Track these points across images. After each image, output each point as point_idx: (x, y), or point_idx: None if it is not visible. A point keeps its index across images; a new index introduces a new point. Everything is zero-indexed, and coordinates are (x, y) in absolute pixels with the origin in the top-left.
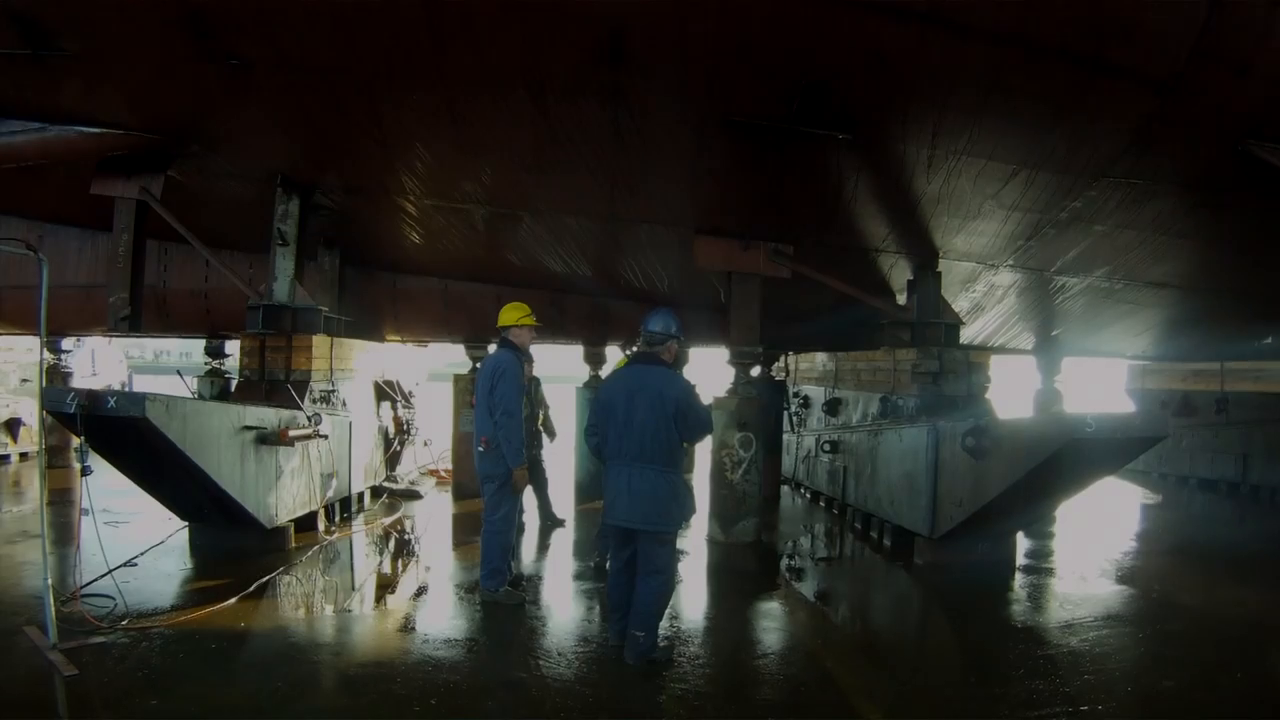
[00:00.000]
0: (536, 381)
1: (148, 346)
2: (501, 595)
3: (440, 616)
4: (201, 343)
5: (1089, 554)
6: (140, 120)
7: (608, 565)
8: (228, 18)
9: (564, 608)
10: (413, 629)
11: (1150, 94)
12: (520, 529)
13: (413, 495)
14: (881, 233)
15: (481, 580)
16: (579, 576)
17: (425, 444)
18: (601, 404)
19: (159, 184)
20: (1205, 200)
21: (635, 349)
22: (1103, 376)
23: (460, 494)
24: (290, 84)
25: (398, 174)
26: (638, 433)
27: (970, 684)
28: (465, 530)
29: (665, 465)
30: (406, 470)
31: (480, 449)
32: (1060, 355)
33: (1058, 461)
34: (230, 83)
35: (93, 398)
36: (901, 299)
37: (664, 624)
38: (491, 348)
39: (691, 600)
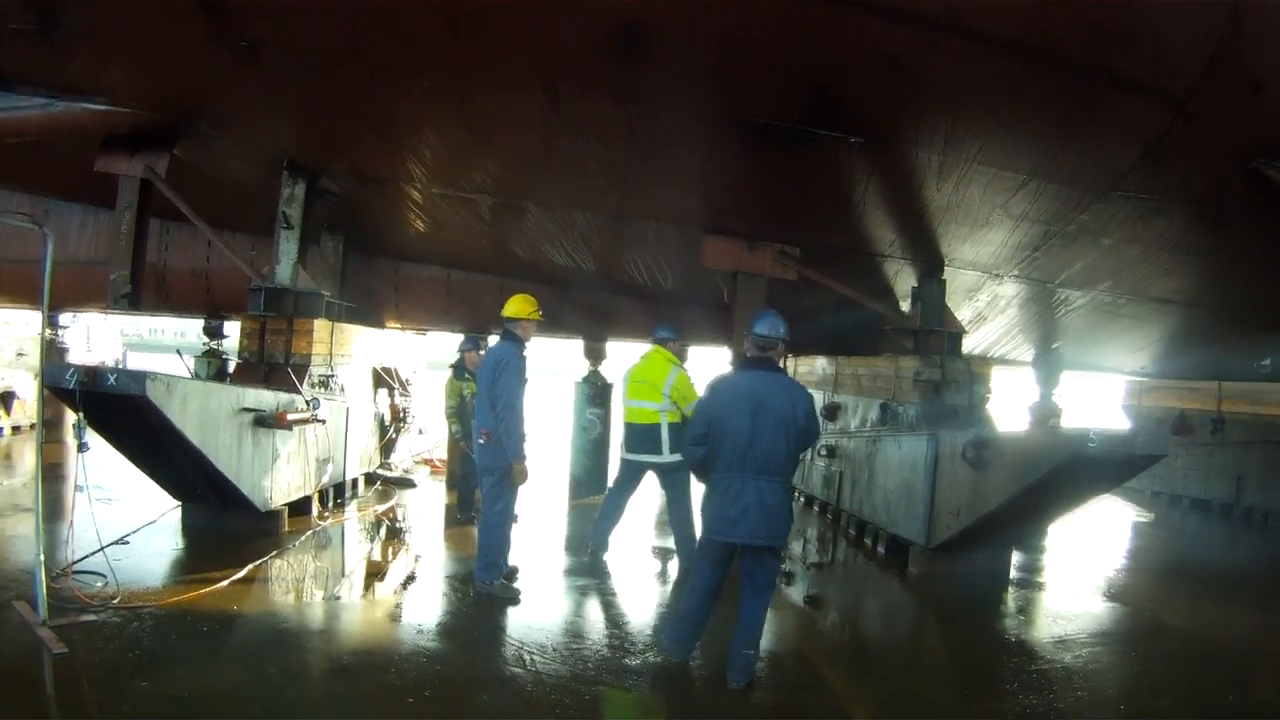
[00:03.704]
0: None
1: (142, 324)
2: (496, 589)
3: (434, 608)
4: (196, 322)
5: (1081, 570)
6: (147, 98)
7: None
8: None
9: (559, 603)
10: (407, 619)
11: (1163, 109)
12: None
13: (406, 483)
14: (888, 238)
15: (477, 573)
16: (573, 572)
17: (420, 432)
18: (716, 412)
19: (164, 163)
20: (1213, 218)
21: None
22: (1100, 391)
23: (454, 484)
24: (301, 68)
25: (405, 162)
26: (766, 444)
27: (964, 696)
28: (458, 521)
29: (788, 477)
30: (400, 458)
31: (481, 441)
32: (1059, 368)
33: (1058, 476)
34: (240, 64)
35: (92, 374)
36: (905, 305)
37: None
38: (491, 338)
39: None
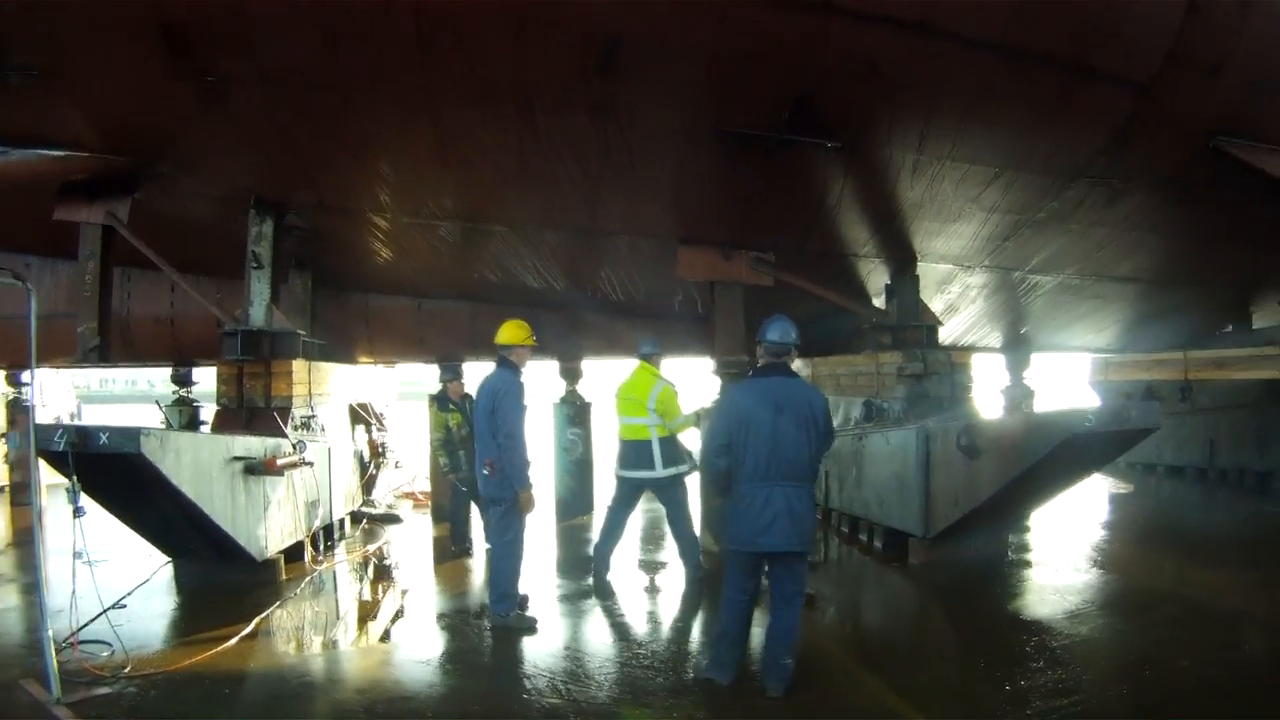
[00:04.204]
0: (469, 399)
1: (92, 376)
2: (512, 620)
3: (454, 646)
4: (150, 371)
5: (1074, 545)
6: (107, 142)
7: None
8: (206, 33)
9: (576, 628)
10: (429, 660)
11: (1128, 96)
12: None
13: (392, 519)
14: (863, 238)
15: (491, 606)
16: (580, 595)
17: (396, 465)
18: (737, 422)
19: (126, 208)
20: (1176, 196)
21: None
22: (1065, 371)
23: (440, 516)
24: (269, 100)
25: (376, 191)
26: (790, 450)
27: (996, 677)
28: (453, 555)
29: (812, 482)
30: (381, 494)
31: (485, 472)
32: (1028, 352)
33: (1057, 457)
34: (205, 100)
35: (83, 434)
36: (878, 302)
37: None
38: (466, 366)
39: (706, 614)
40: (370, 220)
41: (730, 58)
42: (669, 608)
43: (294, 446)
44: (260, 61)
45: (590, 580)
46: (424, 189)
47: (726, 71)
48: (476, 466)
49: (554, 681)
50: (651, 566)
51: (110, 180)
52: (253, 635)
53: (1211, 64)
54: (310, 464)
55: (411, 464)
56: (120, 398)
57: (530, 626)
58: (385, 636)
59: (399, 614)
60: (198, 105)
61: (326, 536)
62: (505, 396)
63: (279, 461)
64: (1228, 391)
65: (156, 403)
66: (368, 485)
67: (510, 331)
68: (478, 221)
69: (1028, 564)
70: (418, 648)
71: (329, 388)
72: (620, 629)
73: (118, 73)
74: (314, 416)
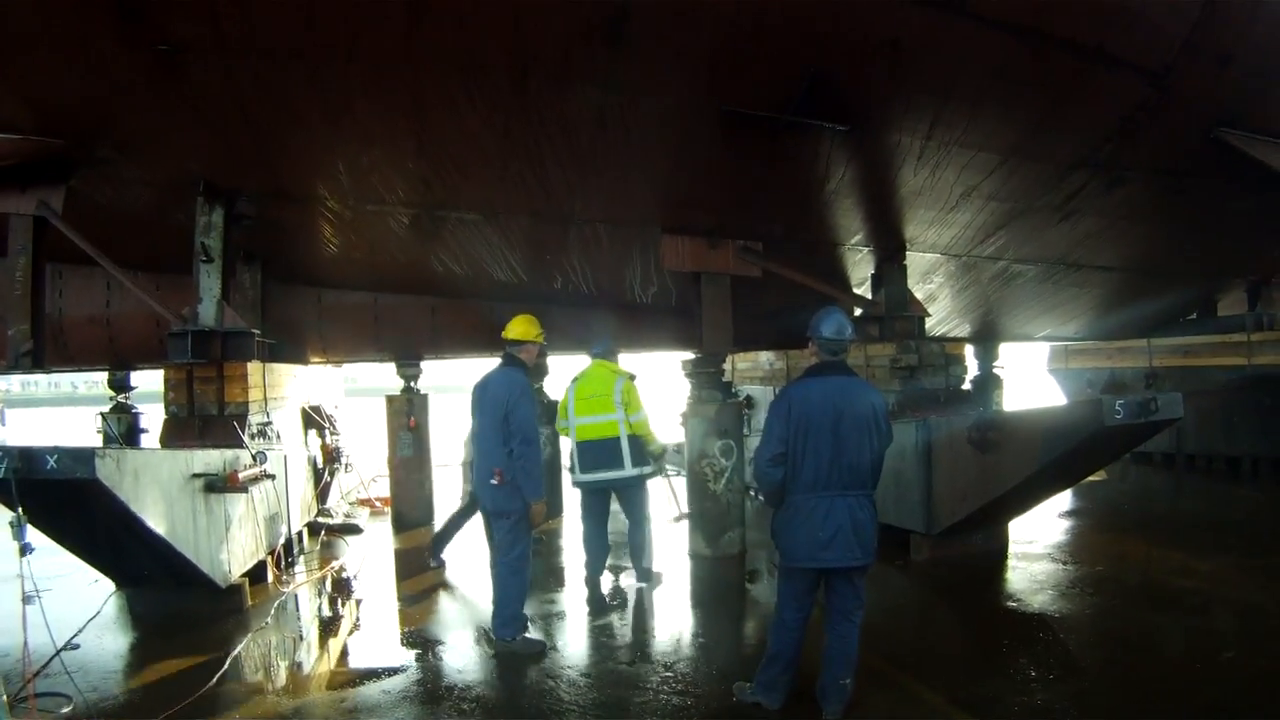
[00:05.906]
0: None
1: (13, 378)
2: (519, 645)
3: (465, 680)
4: (72, 375)
5: (1068, 537)
6: (41, 122)
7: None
8: None
9: (586, 653)
10: (445, 699)
11: (1141, 84)
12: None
13: (352, 530)
14: (855, 226)
15: (495, 629)
16: (577, 612)
17: (346, 469)
18: (795, 429)
19: (60, 197)
20: (1170, 185)
21: (818, 359)
22: (1027, 360)
23: (401, 525)
24: (228, 72)
25: (339, 175)
26: (853, 457)
27: (1049, 680)
28: (431, 569)
29: (874, 488)
30: (334, 501)
31: (494, 482)
32: (998, 341)
33: (1081, 450)
34: (156, 73)
35: (27, 458)
36: (859, 292)
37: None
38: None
39: (716, 626)
40: (328, 208)
41: (746, 31)
42: (672, 622)
43: (254, 458)
44: (222, 26)
45: (570, 594)
46: (396, 173)
47: (740, 45)
48: (482, 475)
49: (586, 717)
50: (647, 575)
51: (43, 166)
52: (231, 677)
53: (1223, 54)
54: (273, 476)
55: (364, 467)
56: (44, 401)
57: (539, 650)
58: (382, 673)
59: (387, 641)
60: (147, 78)
61: (286, 552)
62: (521, 399)
63: (241, 475)
64: (1192, 378)
65: (100, 415)
66: (323, 493)
67: (521, 326)
68: (448, 208)
69: (1034, 557)
70: (424, 684)
71: (284, 391)
72: (635, 650)
73: (56, 40)
74: (270, 423)
